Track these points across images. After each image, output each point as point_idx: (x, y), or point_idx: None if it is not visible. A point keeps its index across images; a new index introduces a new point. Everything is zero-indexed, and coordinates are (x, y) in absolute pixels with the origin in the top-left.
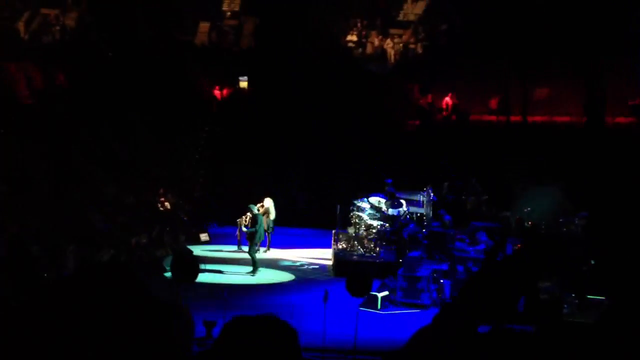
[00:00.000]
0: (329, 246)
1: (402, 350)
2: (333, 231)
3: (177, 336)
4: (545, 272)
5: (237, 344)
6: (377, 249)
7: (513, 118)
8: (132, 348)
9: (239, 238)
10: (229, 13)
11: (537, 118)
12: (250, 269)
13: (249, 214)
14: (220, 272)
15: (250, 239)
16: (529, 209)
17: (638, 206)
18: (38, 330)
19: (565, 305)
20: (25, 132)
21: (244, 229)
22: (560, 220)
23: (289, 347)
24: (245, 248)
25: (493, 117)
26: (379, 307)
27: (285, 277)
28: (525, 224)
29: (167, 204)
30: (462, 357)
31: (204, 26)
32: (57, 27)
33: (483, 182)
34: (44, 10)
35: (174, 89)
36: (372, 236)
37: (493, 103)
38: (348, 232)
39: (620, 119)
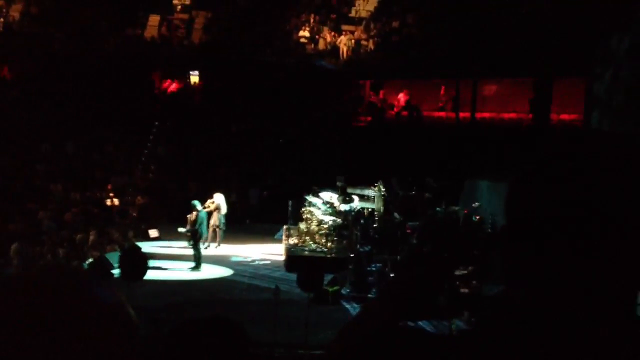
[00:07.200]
0: (280, 242)
1: (327, 350)
2: (284, 226)
3: (120, 339)
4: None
5: (185, 348)
6: (329, 244)
7: (462, 114)
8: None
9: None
10: (179, 6)
11: (486, 114)
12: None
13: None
14: (161, 268)
15: (192, 238)
16: (477, 204)
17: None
18: None
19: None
20: None
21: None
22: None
23: (238, 349)
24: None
25: (442, 114)
26: (330, 301)
27: (236, 272)
28: (473, 219)
29: (115, 200)
30: (384, 354)
31: (154, 19)
32: (1, 19)
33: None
34: None
35: (124, 84)
36: (323, 231)
37: (442, 99)
38: (300, 228)
39: (564, 116)
